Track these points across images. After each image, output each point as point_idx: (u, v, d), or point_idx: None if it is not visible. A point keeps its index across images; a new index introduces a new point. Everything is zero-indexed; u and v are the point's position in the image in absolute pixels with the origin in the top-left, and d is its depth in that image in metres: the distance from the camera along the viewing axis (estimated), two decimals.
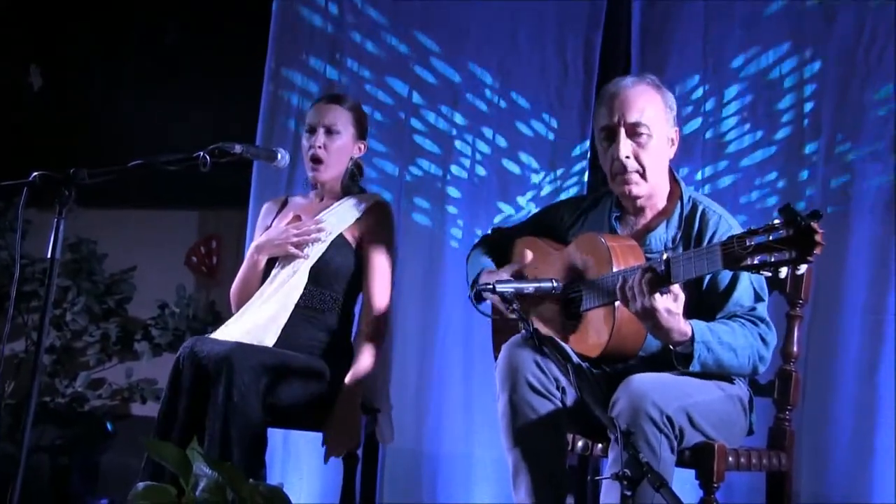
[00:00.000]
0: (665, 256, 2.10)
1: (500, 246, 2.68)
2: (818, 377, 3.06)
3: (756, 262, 1.89)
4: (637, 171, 2.36)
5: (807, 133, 3.22)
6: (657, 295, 2.11)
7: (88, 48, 4.35)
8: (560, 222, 2.60)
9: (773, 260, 1.86)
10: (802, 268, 1.88)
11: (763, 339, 2.27)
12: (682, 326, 2.15)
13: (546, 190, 3.58)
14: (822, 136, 3.18)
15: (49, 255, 2.14)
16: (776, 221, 1.86)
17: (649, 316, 2.13)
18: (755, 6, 3.33)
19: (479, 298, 2.29)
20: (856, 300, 3.09)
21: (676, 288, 2.12)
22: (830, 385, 3.07)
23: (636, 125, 2.35)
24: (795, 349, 2.51)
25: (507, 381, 2.28)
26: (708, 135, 3.35)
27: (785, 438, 2.48)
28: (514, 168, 3.62)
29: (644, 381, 2.18)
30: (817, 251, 1.83)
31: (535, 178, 3.59)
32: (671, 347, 2.20)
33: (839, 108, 3.17)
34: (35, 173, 2.21)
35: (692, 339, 2.16)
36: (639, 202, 2.42)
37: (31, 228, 3.71)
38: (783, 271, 1.88)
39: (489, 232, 2.84)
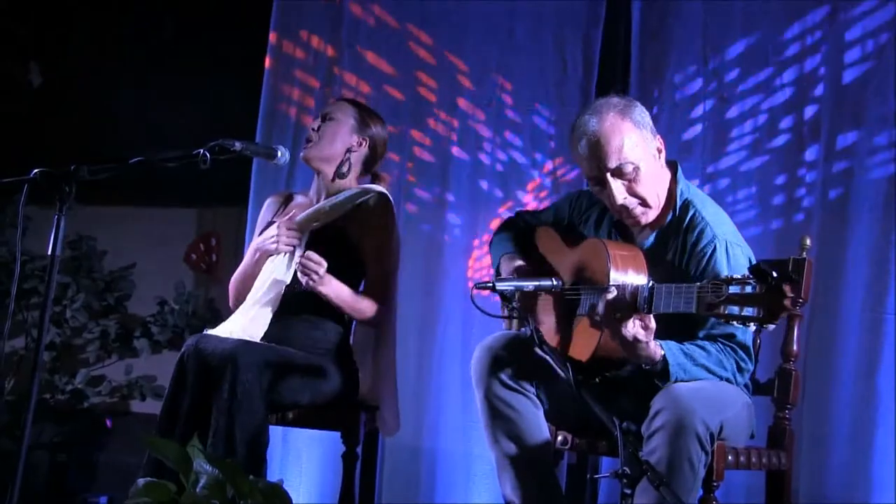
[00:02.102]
0: (651, 284, 2.10)
1: (522, 231, 2.67)
2: (817, 376, 3.06)
3: (727, 311, 1.89)
4: (639, 204, 2.34)
5: (806, 131, 3.22)
6: (628, 324, 2.10)
7: (87, 45, 4.35)
8: (578, 212, 2.58)
9: (742, 314, 1.87)
10: (770, 327, 1.87)
11: (739, 367, 2.26)
12: (650, 352, 2.15)
13: (546, 187, 3.59)
14: (822, 134, 3.18)
15: (50, 252, 2.14)
16: (750, 277, 1.86)
17: (617, 338, 2.14)
18: (754, 4, 3.32)
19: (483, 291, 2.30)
20: (855, 298, 3.09)
21: (649, 316, 2.11)
22: (830, 384, 3.07)
23: (620, 168, 2.29)
24: (795, 348, 2.51)
25: (481, 379, 2.35)
26: (708, 135, 3.34)
27: (784, 437, 2.48)
28: (514, 166, 3.62)
29: (690, 395, 2.14)
30: (783, 315, 1.83)
31: (535, 175, 3.59)
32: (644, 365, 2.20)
33: (839, 106, 3.17)
34: (36, 170, 2.21)
35: (665, 359, 2.16)
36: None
37: (31, 225, 3.71)
38: (752, 326, 1.88)
39: (512, 216, 2.82)
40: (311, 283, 2.67)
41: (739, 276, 1.89)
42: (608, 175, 2.30)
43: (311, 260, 2.65)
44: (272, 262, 2.80)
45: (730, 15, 3.35)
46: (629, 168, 2.29)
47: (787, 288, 1.81)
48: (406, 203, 3.67)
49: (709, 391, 2.18)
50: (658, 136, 2.38)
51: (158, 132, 4.02)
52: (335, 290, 2.73)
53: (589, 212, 2.56)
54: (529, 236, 2.64)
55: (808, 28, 3.24)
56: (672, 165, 2.43)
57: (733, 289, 1.88)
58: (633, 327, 2.10)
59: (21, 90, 4.43)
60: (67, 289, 4.09)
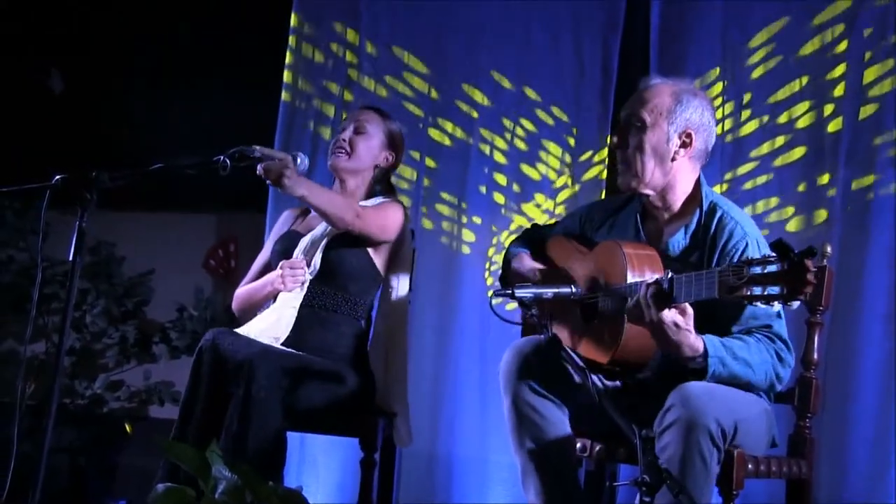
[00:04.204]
0: (669, 275, 2.09)
1: (537, 239, 2.68)
2: (838, 384, 3.04)
3: (750, 293, 1.88)
4: (622, 160, 2.43)
5: (827, 136, 3.20)
6: (665, 313, 2.10)
7: (107, 51, 4.38)
8: (590, 223, 2.60)
9: (765, 293, 1.86)
10: (794, 304, 1.86)
11: (779, 357, 2.25)
12: (692, 342, 2.14)
13: (564, 193, 3.58)
14: (844, 139, 3.16)
15: (70, 258, 2.15)
16: (771, 255, 1.85)
17: (658, 330, 2.12)
18: (773, 6, 3.31)
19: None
20: (876, 306, 3.07)
21: (685, 303, 2.11)
22: (850, 392, 3.05)
23: (632, 114, 2.42)
24: (816, 356, 2.49)
25: (509, 384, 2.33)
26: (727, 137, 3.33)
27: (805, 446, 2.47)
28: (532, 172, 3.62)
29: (701, 392, 2.14)
30: (808, 290, 1.82)
31: (553, 181, 3.59)
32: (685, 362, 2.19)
33: (861, 108, 3.14)
34: (58, 176, 2.22)
35: (705, 353, 2.15)
36: (652, 200, 2.42)
37: (51, 231, 3.71)
38: (776, 305, 1.87)
39: (528, 228, 2.84)
40: (277, 183, 2.53)
41: (760, 257, 1.88)
42: (624, 117, 2.41)
43: (275, 156, 2.50)
44: (284, 294, 2.80)
45: (749, 16, 3.34)
46: (637, 121, 2.37)
47: (809, 263, 1.81)
48: (423, 211, 3.67)
49: (722, 391, 2.17)
50: (695, 133, 2.37)
51: (178, 138, 4.03)
52: (307, 184, 2.63)
53: (604, 221, 2.57)
54: (542, 245, 2.65)
55: (830, 28, 3.21)
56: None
57: (754, 269, 1.87)
58: (669, 315, 2.10)
59: (42, 96, 4.46)
60: (87, 294, 4.11)
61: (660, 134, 2.36)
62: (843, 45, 3.19)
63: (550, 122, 3.62)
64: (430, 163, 3.70)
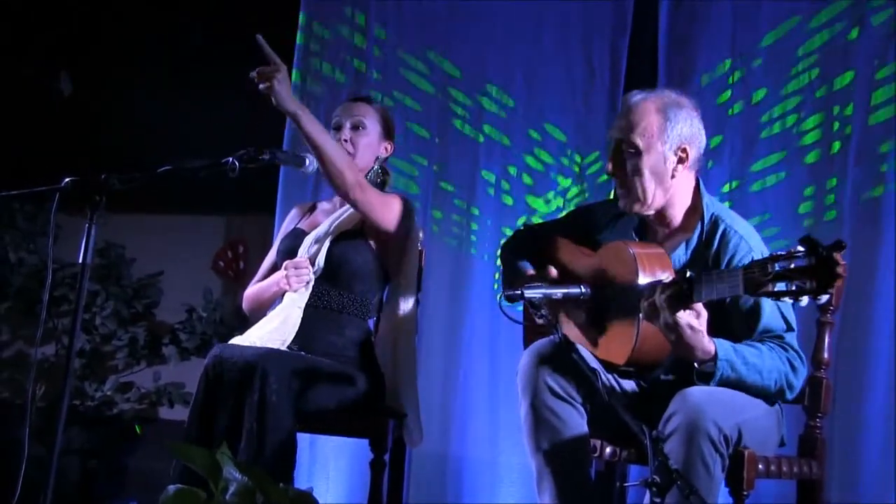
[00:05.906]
0: (688, 274, 2.09)
1: (532, 244, 2.67)
2: (849, 384, 3.03)
3: (776, 289, 1.87)
4: (620, 186, 2.41)
5: (837, 136, 3.19)
6: (680, 314, 2.09)
7: (116, 54, 4.39)
8: (592, 225, 2.59)
9: (793, 289, 1.85)
10: (823, 298, 1.85)
11: (792, 365, 2.24)
12: (705, 344, 2.13)
13: (573, 192, 3.57)
14: (853, 138, 3.15)
15: (80, 260, 2.16)
16: (798, 250, 1.84)
17: (672, 331, 2.12)
18: (782, 8, 3.30)
19: (511, 300, 2.30)
20: (887, 306, 3.05)
21: (699, 305, 2.10)
22: (861, 392, 3.04)
23: (622, 140, 2.38)
24: (826, 356, 2.49)
25: (528, 386, 2.30)
26: (736, 140, 3.32)
27: (816, 446, 2.46)
28: (541, 174, 3.62)
29: (702, 398, 2.14)
30: (838, 283, 1.82)
31: (562, 184, 3.59)
32: (694, 364, 2.18)
33: (870, 109, 3.13)
34: (67, 179, 2.23)
35: (716, 356, 2.15)
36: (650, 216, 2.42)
37: (60, 233, 3.72)
38: (804, 300, 1.86)
39: (521, 228, 2.82)
40: (269, 89, 2.44)
41: (785, 252, 1.87)
42: (614, 140, 2.38)
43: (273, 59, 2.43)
44: (290, 295, 2.80)
45: (758, 18, 3.33)
46: (630, 147, 2.34)
47: (838, 256, 1.80)
48: (432, 213, 3.67)
49: (723, 394, 2.17)
50: (690, 146, 2.36)
51: (187, 140, 4.04)
52: (304, 108, 2.54)
53: (606, 224, 2.56)
54: (538, 247, 2.63)
55: (838, 29, 3.20)
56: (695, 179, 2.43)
57: (780, 265, 1.86)
58: (684, 316, 2.09)
59: (52, 99, 4.48)
60: (97, 296, 4.13)
61: (656, 156, 2.34)
62: (854, 46, 3.18)
63: (559, 122, 3.61)
64: (438, 161, 3.69)
